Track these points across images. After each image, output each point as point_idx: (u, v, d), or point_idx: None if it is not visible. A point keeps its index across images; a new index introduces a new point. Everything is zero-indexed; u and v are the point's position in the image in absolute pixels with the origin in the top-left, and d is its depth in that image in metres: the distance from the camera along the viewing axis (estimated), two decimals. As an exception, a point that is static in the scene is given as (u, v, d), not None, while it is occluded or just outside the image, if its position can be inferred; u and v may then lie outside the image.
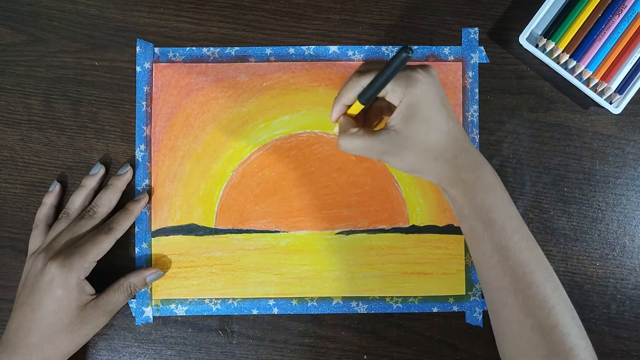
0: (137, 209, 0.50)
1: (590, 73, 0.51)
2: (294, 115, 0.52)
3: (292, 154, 0.52)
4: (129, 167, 0.51)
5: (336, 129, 0.46)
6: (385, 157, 0.43)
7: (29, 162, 0.52)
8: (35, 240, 0.49)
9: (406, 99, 0.41)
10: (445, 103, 0.43)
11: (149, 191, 0.51)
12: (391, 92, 0.41)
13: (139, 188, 0.51)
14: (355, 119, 0.45)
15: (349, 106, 0.44)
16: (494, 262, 0.42)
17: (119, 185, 0.50)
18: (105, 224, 0.48)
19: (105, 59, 0.52)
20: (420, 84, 0.41)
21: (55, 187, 0.51)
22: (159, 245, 0.51)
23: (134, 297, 0.50)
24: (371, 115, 0.47)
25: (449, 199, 0.44)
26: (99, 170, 0.50)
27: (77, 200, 0.49)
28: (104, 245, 0.47)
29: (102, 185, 0.51)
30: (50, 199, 0.50)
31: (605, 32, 0.50)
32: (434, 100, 0.41)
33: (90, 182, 0.50)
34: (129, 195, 0.51)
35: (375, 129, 0.45)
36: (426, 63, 0.44)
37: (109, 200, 0.49)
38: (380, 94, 0.42)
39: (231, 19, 0.53)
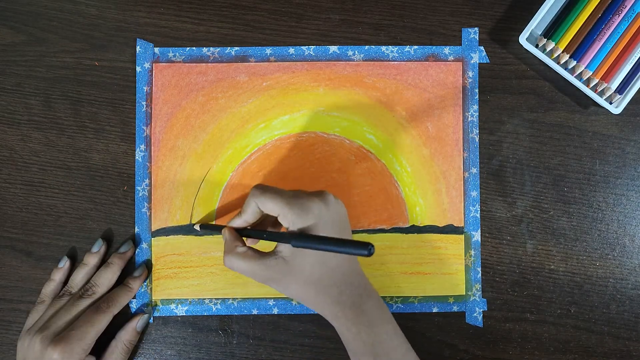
0: (136, 286, 0.50)
1: (590, 73, 0.51)
2: (294, 115, 0.52)
3: (292, 154, 0.52)
4: (131, 244, 0.51)
5: (196, 227, 0.49)
6: (271, 284, 0.43)
7: (29, 162, 0.52)
8: (37, 315, 0.48)
9: (297, 226, 0.41)
10: (340, 234, 0.43)
11: (149, 191, 0.51)
12: (282, 216, 0.42)
13: (138, 188, 0.51)
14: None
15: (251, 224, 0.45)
16: None
17: (119, 264, 0.50)
18: (103, 300, 0.48)
19: (105, 59, 0.52)
20: (312, 214, 0.41)
21: (65, 264, 0.50)
22: (159, 245, 0.51)
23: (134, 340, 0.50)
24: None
25: (336, 329, 0.44)
26: (101, 248, 0.50)
27: (78, 279, 0.49)
28: (102, 324, 0.47)
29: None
30: (58, 276, 0.50)
31: (605, 32, 0.50)
32: (325, 232, 0.41)
33: (92, 260, 0.50)
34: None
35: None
36: (324, 190, 0.44)
37: (108, 280, 0.49)
38: (273, 214, 0.42)
39: (231, 19, 0.53)
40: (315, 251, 0.41)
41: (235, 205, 0.52)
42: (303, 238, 0.39)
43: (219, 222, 0.52)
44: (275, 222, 0.48)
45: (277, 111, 0.52)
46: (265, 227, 0.48)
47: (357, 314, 0.43)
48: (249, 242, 0.48)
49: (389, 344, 0.43)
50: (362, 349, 0.43)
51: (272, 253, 0.42)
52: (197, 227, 0.50)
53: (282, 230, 0.46)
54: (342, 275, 0.43)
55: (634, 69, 0.51)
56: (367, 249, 0.36)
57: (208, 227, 0.49)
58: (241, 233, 0.45)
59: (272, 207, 0.42)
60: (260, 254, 0.43)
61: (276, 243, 0.43)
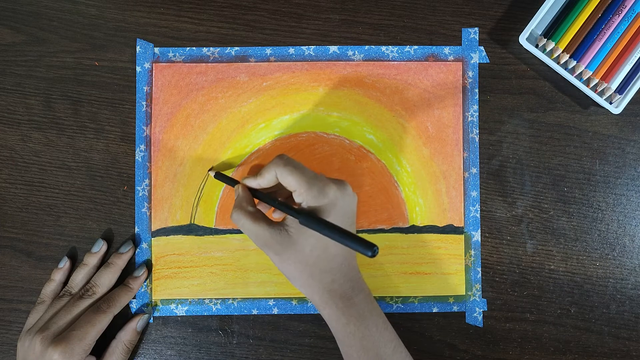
0: (136, 286, 0.50)
1: (590, 73, 0.51)
2: (294, 115, 0.52)
3: (292, 154, 0.52)
4: (131, 245, 0.51)
5: (211, 173, 0.49)
6: (268, 252, 0.43)
7: (29, 162, 0.52)
8: (37, 316, 0.48)
9: (309, 207, 0.41)
10: (350, 226, 0.43)
11: (149, 191, 0.51)
12: (298, 194, 0.42)
13: (138, 188, 0.51)
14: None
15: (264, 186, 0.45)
16: None
17: (119, 264, 0.50)
18: (103, 300, 0.48)
19: (105, 59, 0.52)
20: (328, 199, 0.41)
21: (65, 264, 0.50)
22: (159, 245, 0.51)
23: (133, 344, 0.50)
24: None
25: (324, 318, 0.44)
26: (101, 248, 0.50)
27: (79, 279, 0.49)
28: (102, 324, 0.47)
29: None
30: (59, 276, 0.50)
31: (605, 32, 0.50)
32: (334, 219, 0.41)
33: (92, 260, 0.50)
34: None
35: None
36: (344, 180, 0.44)
37: (108, 280, 0.49)
38: (289, 189, 0.42)
39: (231, 19, 0.53)
40: (319, 235, 0.41)
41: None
42: (312, 218, 0.40)
43: (219, 221, 0.52)
44: (288, 195, 0.47)
45: (277, 111, 0.52)
46: (276, 197, 0.47)
47: (347, 305, 0.43)
48: (260, 206, 0.47)
49: (379, 338, 0.43)
50: (351, 341, 0.43)
51: (279, 224, 0.43)
52: (211, 173, 0.49)
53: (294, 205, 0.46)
54: (339, 265, 0.43)
55: (634, 69, 0.51)
56: (371, 249, 0.36)
57: (222, 178, 0.49)
58: (253, 194, 0.45)
59: (291, 181, 0.42)
60: (268, 220, 0.43)
61: (285, 216, 0.43)
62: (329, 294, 0.43)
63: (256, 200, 0.46)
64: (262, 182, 0.44)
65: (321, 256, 0.42)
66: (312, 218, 0.40)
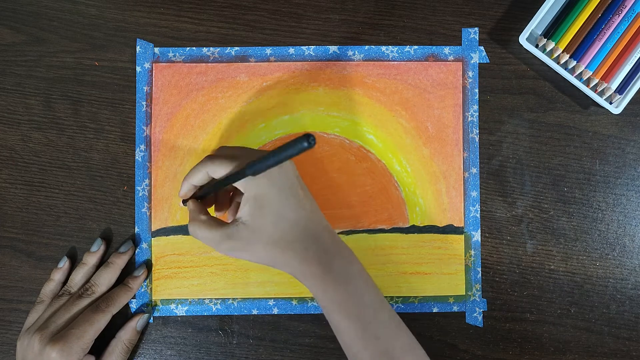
0: (136, 285, 0.50)
1: (590, 73, 0.51)
2: (294, 115, 0.52)
3: (292, 154, 0.52)
4: (131, 244, 0.51)
5: (181, 205, 0.49)
6: (235, 253, 0.42)
7: (29, 162, 0.52)
8: (36, 315, 0.48)
9: (252, 189, 0.41)
10: (297, 190, 0.42)
11: (149, 191, 0.51)
12: (236, 182, 0.41)
13: (138, 188, 0.51)
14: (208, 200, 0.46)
15: (198, 187, 0.45)
16: (359, 350, 0.41)
17: (119, 263, 0.50)
18: (102, 300, 0.48)
19: (105, 59, 0.52)
20: (266, 172, 0.40)
21: (65, 264, 0.50)
22: (159, 245, 0.51)
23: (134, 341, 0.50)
24: (222, 197, 0.47)
25: (309, 290, 0.43)
26: (100, 248, 0.50)
27: (78, 278, 0.49)
28: (100, 323, 0.47)
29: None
30: (58, 276, 0.50)
31: (605, 32, 0.50)
32: (281, 187, 0.41)
33: (91, 259, 0.50)
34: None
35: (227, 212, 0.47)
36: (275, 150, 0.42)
37: (107, 279, 0.49)
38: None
39: (231, 19, 0.53)
40: (274, 210, 0.40)
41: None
42: (256, 162, 0.37)
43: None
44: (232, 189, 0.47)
45: (277, 111, 0.52)
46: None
47: (325, 271, 0.41)
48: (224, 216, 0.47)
49: (359, 301, 0.41)
50: (332, 307, 0.41)
51: (233, 222, 0.42)
52: (181, 204, 0.50)
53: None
54: (305, 229, 0.41)
55: (634, 69, 0.51)
56: (307, 140, 0.32)
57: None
58: (200, 195, 0.45)
59: (223, 173, 0.42)
60: (222, 223, 0.42)
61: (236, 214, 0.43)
62: (305, 263, 0.41)
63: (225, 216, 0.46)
64: (193, 181, 0.44)
65: (284, 227, 0.41)
66: (255, 163, 0.37)
